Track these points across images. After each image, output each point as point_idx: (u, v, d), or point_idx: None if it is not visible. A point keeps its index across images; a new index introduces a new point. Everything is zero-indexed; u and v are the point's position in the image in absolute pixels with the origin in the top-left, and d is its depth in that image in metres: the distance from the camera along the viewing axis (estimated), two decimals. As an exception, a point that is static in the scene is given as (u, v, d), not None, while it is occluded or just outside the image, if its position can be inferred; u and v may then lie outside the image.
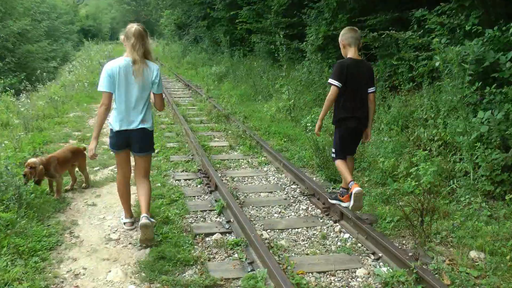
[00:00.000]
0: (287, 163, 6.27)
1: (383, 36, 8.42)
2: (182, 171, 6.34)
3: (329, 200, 4.87)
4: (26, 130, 8.32)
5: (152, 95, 4.28)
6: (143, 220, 3.95)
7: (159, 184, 5.65)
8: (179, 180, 5.96)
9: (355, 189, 4.25)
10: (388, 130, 7.34)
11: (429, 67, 7.14)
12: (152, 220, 4.16)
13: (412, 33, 7.99)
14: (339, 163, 4.61)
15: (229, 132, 8.63)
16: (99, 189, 5.59)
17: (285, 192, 5.61)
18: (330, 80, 4.44)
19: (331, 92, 4.43)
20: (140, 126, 4.11)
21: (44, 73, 20.33)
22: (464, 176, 5.28)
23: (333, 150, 4.69)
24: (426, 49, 7.62)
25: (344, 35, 4.52)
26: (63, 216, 4.72)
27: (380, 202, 5.03)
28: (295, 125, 8.85)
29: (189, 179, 5.99)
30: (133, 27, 4.06)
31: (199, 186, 5.76)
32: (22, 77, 18.84)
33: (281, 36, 10.61)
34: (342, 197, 4.69)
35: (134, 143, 4.20)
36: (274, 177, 6.19)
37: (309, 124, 7.80)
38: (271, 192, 5.60)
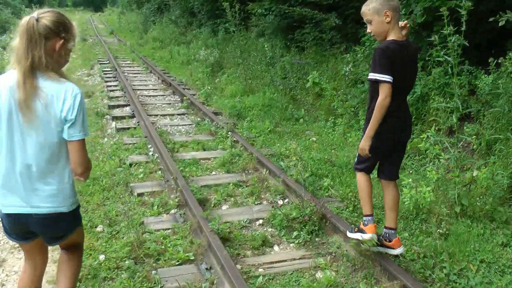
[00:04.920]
0: None
1: None
2: None
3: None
4: None
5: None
6: None
7: None
8: None
9: (369, 235, 2.77)
10: None
11: None
12: None
13: None
14: (361, 179, 2.83)
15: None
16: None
17: None
18: (378, 76, 2.49)
19: (385, 94, 2.49)
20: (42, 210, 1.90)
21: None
22: None
23: (356, 158, 2.87)
24: None
25: (389, 3, 2.53)
26: None
27: None
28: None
29: None
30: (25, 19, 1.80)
31: None
32: None
33: None
34: (365, 226, 2.85)
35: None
36: None
37: None
38: None
